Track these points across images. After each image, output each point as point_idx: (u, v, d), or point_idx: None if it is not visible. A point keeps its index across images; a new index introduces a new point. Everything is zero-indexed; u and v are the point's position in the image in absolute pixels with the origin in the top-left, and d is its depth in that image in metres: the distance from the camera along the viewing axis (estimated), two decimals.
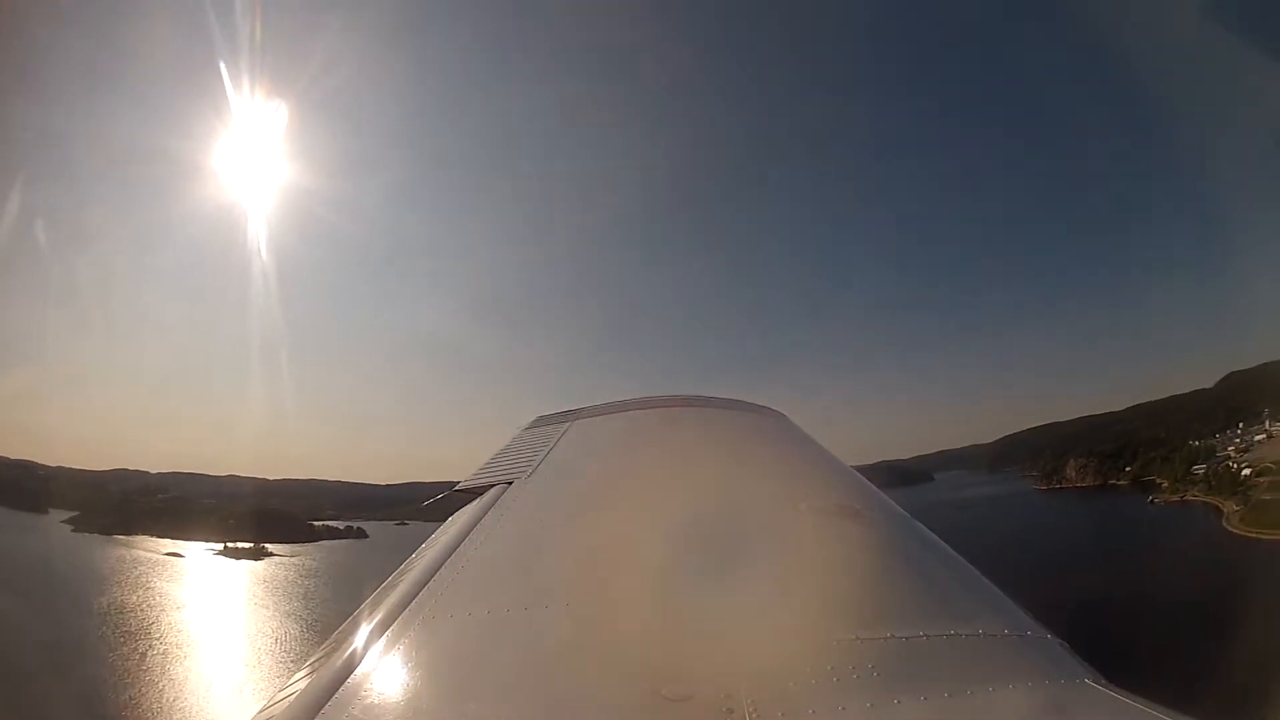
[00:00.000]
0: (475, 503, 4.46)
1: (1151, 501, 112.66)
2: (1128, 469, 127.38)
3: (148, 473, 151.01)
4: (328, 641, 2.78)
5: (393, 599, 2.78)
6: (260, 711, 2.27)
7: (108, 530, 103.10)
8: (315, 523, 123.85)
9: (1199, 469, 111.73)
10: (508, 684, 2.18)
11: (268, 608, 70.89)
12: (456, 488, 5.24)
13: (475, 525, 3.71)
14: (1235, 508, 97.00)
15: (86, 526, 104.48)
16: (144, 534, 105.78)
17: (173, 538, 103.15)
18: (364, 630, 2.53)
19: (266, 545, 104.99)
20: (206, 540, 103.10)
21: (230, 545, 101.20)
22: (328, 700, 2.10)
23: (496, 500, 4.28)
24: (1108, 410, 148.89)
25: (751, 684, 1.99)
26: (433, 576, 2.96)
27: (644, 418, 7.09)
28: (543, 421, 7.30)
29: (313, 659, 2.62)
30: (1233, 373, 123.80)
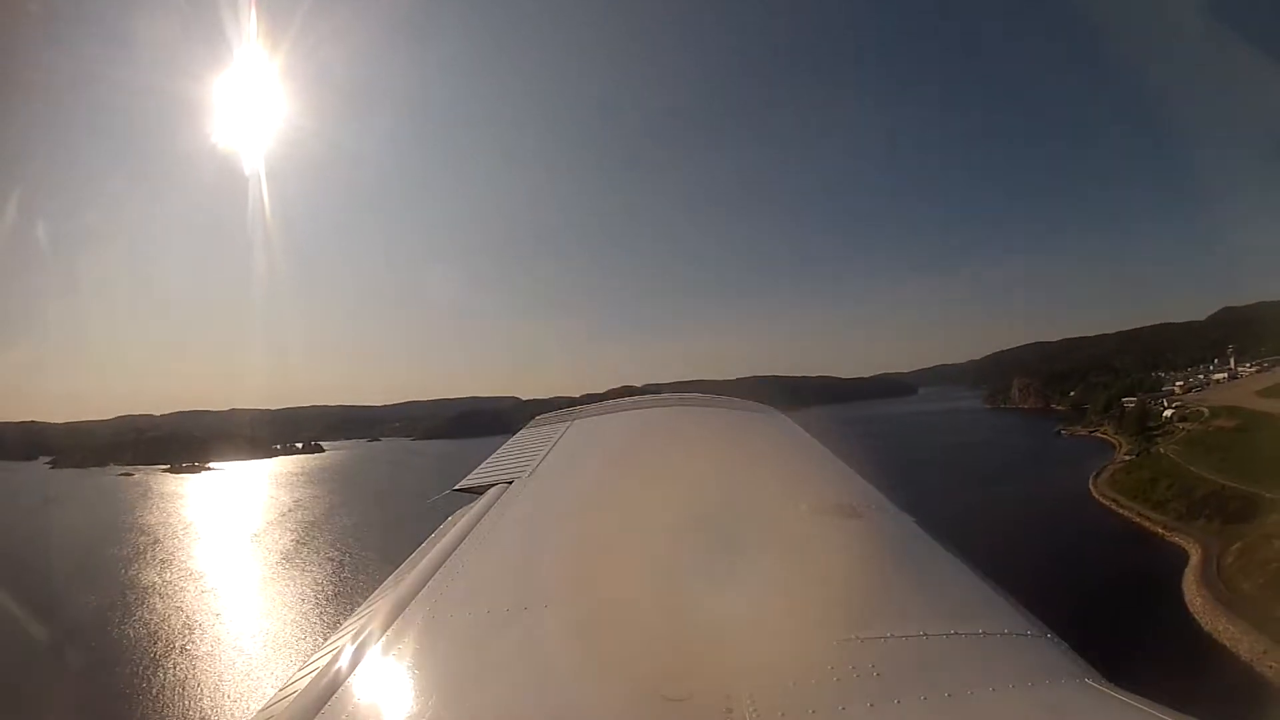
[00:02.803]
0: (476, 503, 4.45)
1: (1058, 433, 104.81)
2: (1071, 393, 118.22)
3: (152, 415, 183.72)
4: (329, 641, 2.80)
5: (393, 599, 2.79)
6: (260, 711, 2.29)
7: (82, 464, 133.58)
8: (277, 445, 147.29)
9: (1129, 401, 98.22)
10: (508, 684, 2.17)
11: (160, 501, 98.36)
12: (456, 487, 5.24)
13: (475, 525, 3.74)
14: (1125, 456, 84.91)
15: (63, 464, 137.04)
16: (114, 464, 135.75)
17: (134, 464, 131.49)
18: (364, 630, 2.53)
19: (210, 463, 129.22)
20: (166, 464, 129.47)
21: (176, 465, 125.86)
22: (328, 700, 2.11)
23: (497, 500, 4.31)
24: (1097, 333, 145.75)
25: (751, 684, 1.99)
26: (432, 576, 2.97)
27: (642, 417, 7.27)
28: (543, 421, 7.45)
29: (314, 658, 2.62)
30: (1227, 308, 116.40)
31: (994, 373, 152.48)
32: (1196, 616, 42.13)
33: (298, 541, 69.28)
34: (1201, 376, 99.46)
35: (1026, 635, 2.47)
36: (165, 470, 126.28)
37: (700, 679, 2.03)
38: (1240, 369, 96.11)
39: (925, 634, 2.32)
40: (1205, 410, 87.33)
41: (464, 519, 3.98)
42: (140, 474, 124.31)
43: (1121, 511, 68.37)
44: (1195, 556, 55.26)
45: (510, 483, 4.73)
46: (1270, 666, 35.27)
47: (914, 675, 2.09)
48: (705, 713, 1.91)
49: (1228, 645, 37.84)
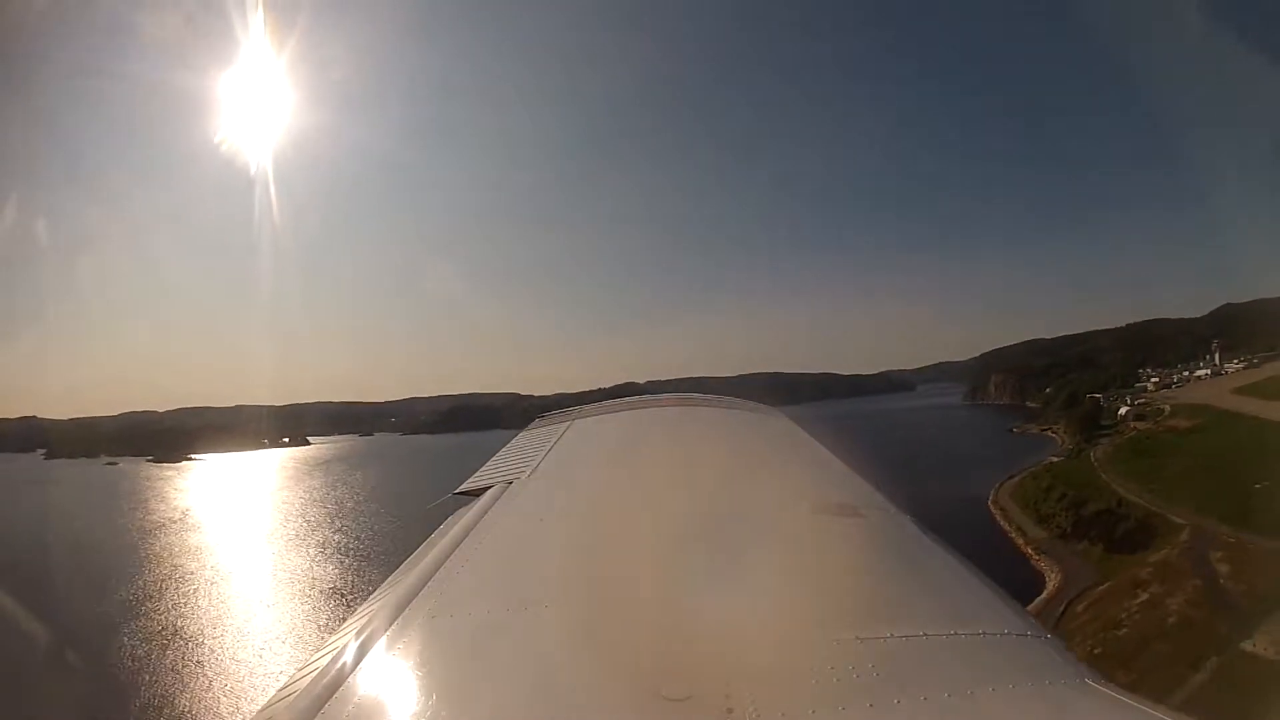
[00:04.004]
0: (475, 503, 4.45)
1: (1010, 430, 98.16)
2: (1046, 389, 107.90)
3: (156, 411, 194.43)
4: (329, 641, 2.81)
5: (393, 599, 2.79)
6: (261, 711, 2.30)
7: (73, 455, 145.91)
8: (264, 439, 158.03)
9: (1094, 397, 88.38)
10: (508, 684, 2.18)
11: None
12: (457, 490, 5.29)
13: (475, 525, 3.75)
14: (1053, 458, 73.90)
15: (56, 455, 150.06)
16: (105, 454, 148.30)
17: (119, 455, 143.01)
18: (365, 630, 2.53)
19: (193, 455, 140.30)
20: (153, 456, 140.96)
21: (159, 456, 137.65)
22: (328, 700, 2.11)
23: (496, 500, 4.34)
24: (1097, 328, 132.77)
25: (751, 684, 1.97)
26: (433, 576, 2.97)
27: (642, 417, 7.41)
28: (543, 422, 7.59)
29: (314, 658, 2.62)
30: (1227, 305, 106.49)
31: (991, 370, 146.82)
32: None
33: (237, 519, 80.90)
34: (1187, 373, 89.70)
35: (1026, 635, 2.46)
36: (149, 461, 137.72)
37: (700, 679, 2.01)
38: (1228, 366, 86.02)
39: (925, 634, 2.31)
40: (1166, 408, 74.03)
41: (464, 519, 3.96)
42: (124, 464, 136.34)
43: (1003, 524, 58.97)
44: (1047, 591, 46.28)
45: (510, 483, 4.76)
46: None
47: (914, 675, 2.08)
48: (705, 713, 1.88)
49: None
